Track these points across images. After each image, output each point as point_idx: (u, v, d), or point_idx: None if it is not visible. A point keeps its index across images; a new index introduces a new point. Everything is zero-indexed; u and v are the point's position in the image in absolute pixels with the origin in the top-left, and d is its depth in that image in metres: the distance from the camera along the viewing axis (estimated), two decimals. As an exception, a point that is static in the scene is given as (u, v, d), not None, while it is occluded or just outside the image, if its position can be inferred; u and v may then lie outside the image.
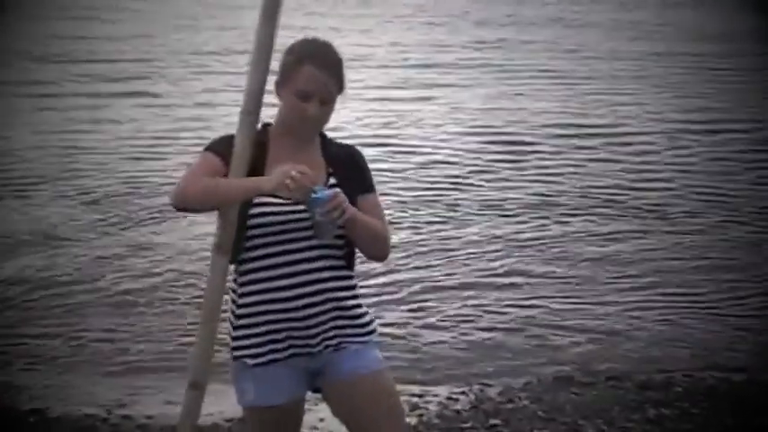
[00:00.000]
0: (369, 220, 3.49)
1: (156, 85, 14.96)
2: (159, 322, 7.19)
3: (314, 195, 3.33)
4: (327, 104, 3.48)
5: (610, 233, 8.97)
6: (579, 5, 21.20)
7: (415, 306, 7.44)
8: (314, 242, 3.45)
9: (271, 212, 3.45)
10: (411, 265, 8.13)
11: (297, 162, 3.41)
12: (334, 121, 3.55)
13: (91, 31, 19.37)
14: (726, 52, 17.83)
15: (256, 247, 3.47)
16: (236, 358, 3.55)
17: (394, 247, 8.28)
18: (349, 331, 3.55)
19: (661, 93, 14.58)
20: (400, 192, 10.03)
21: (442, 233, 8.94)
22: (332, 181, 3.51)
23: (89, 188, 10.19)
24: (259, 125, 3.53)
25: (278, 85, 3.51)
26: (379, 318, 6.73)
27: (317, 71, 3.44)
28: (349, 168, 3.55)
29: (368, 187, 3.58)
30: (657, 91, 14.75)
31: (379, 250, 3.57)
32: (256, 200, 3.44)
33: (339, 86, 3.50)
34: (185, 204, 3.42)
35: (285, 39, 3.55)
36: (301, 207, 3.41)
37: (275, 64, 3.50)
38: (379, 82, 15.18)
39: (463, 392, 6.15)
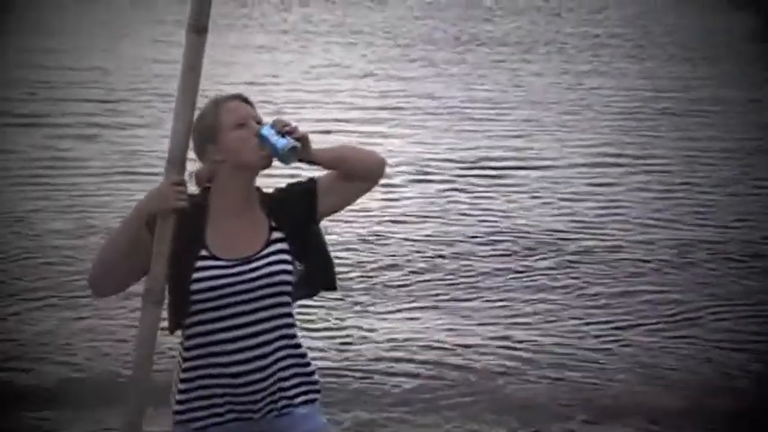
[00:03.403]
0: (329, 149, 3.57)
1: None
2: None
3: (261, 132, 3.42)
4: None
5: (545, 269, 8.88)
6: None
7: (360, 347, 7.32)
8: (257, 305, 3.42)
9: (214, 276, 3.40)
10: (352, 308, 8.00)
11: (239, 223, 3.45)
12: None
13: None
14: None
15: (199, 312, 3.42)
16: (177, 423, 3.51)
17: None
18: (294, 392, 3.51)
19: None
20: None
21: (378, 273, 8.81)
22: (276, 235, 3.48)
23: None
24: (197, 190, 3.52)
25: (208, 144, 3.48)
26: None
27: (236, 101, 3.52)
28: (287, 209, 3.52)
29: (313, 201, 3.54)
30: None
31: (364, 164, 3.56)
32: (199, 263, 3.40)
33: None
34: (102, 270, 3.41)
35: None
36: (245, 268, 3.40)
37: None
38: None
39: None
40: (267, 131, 3.43)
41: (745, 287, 8.51)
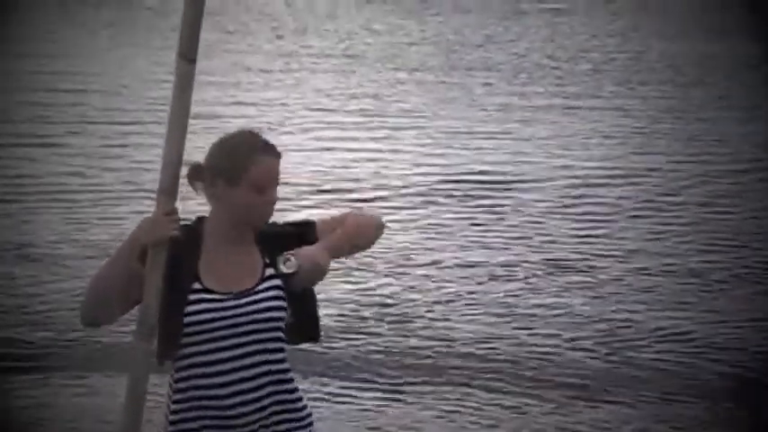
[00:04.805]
0: (337, 243, 3.49)
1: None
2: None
3: (284, 272, 3.39)
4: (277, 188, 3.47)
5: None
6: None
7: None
8: (250, 338, 3.41)
9: (207, 309, 3.38)
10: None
11: (233, 255, 3.43)
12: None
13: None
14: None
15: (191, 344, 3.40)
16: (169, 454, 3.49)
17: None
18: (287, 426, 3.50)
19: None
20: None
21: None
22: (270, 272, 3.46)
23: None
24: (191, 220, 3.49)
25: (222, 179, 3.42)
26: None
27: (269, 159, 3.43)
28: (283, 250, 3.47)
29: (308, 241, 3.51)
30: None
31: (367, 240, 3.59)
32: (192, 297, 3.37)
33: None
34: (93, 302, 3.37)
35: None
36: (239, 302, 3.38)
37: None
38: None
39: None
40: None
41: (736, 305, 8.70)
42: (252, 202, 3.41)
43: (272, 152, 3.44)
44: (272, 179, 3.43)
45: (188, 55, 3.37)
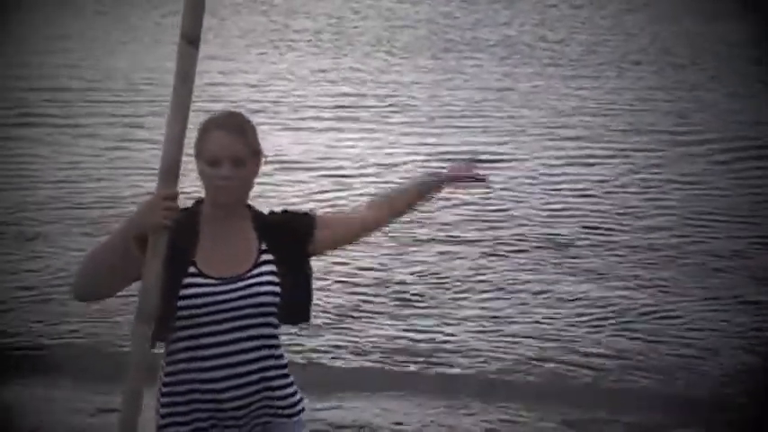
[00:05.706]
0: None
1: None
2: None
3: None
4: (240, 166, 3.40)
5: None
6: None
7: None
8: (244, 323, 3.41)
9: (201, 294, 3.37)
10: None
11: (229, 239, 3.42)
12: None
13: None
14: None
15: (185, 327, 3.39)
16: (160, 434, 3.50)
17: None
18: (278, 411, 3.51)
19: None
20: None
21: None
22: (265, 257, 3.45)
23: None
24: (190, 203, 3.48)
25: (196, 157, 3.44)
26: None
27: (221, 133, 3.39)
28: (280, 237, 3.49)
29: (308, 234, 3.52)
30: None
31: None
32: (187, 280, 3.37)
33: (249, 147, 3.42)
34: (86, 280, 3.36)
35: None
36: (233, 286, 3.37)
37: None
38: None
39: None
40: None
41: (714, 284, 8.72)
42: (206, 174, 3.40)
43: (227, 127, 3.42)
44: (223, 152, 3.37)
45: (190, 37, 3.34)
